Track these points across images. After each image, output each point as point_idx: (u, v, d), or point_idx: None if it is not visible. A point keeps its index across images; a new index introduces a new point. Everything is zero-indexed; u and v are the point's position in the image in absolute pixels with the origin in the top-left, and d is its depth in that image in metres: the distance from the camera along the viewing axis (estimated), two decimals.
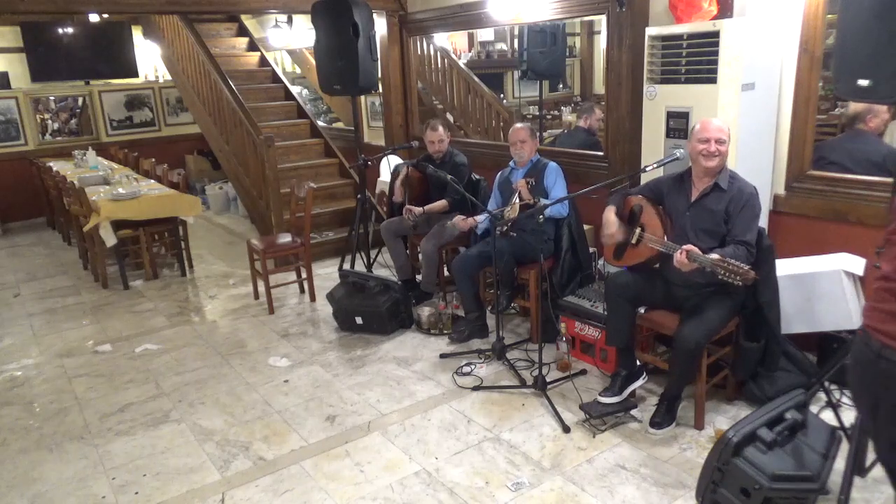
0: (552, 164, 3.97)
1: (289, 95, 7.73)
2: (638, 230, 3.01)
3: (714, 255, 2.57)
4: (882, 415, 1.57)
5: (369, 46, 4.61)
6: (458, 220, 4.13)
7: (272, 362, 3.95)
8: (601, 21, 5.14)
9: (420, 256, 4.64)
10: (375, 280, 4.26)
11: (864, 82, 2.13)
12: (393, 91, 6.15)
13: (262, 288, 4.82)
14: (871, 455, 2.44)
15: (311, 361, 3.94)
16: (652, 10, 3.89)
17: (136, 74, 8.74)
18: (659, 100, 3.51)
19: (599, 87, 8.68)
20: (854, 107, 3.44)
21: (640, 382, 3.15)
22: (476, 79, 7.15)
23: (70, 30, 8.18)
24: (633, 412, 3.09)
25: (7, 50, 8.03)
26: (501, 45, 9.08)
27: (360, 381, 3.65)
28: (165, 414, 3.40)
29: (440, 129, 4.45)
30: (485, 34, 8.98)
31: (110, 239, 5.24)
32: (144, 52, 8.84)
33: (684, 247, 2.67)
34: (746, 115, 3.30)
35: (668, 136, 3.48)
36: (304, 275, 5.03)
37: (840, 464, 2.32)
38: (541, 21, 4.94)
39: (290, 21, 8.08)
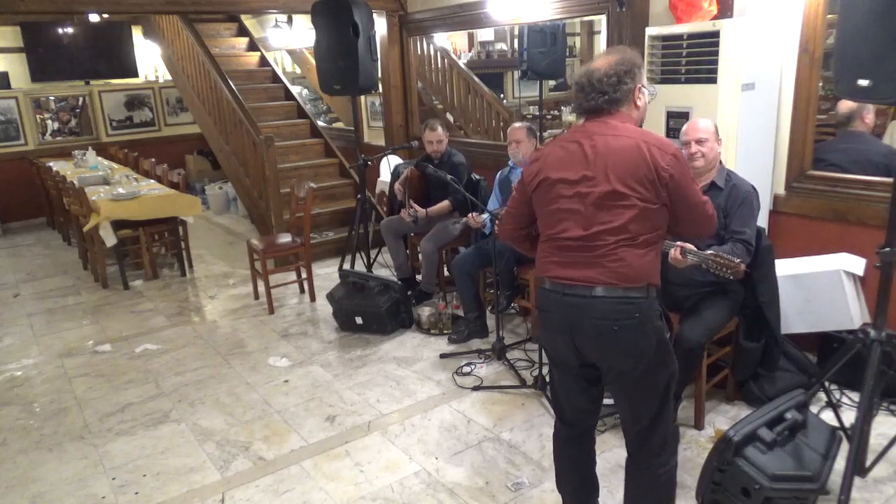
0: None
1: (289, 95, 7.74)
2: None
3: (709, 252, 2.55)
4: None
5: (369, 46, 4.61)
6: (472, 215, 4.10)
7: (272, 362, 3.95)
8: (601, 21, 5.14)
9: (420, 256, 4.64)
10: (375, 280, 4.26)
11: (864, 82, 2.13)
12: (393, 91, 6.15)
13: (262, 288, 4.82)
14: (871, 455, 2.44)
15: (311, 361, 3.94)
16: (652, 10, 3.89)
17: (136, 74, 8.74)
18: (659, 100, 3.50)
19: None
20: (846, 105, 3.42)
21: None
22: (476, 79, 7.15)
23: (70, 30, 8.19)
24: None
25: (7, 50, 8.03)
26: (501, 45, 9.07)
27: (360, 381, 3.65)
28: (165, 414, 3.40)
29: (439, 129, 4.45)
30: (485, 34, 8.97)
31: (110, 239, 5.24)
32: (144, 52, 8.84)
33: (678, 243, 2.66)
34: (746, 115, 3.30)
35: (668, 136, 3.48)
36: (304, 275, 5.03)
37: (840, 464, 2.32)
38: (541, 21, 4.93)
39: (290, 21, 8.09)
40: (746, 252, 2.72)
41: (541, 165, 2.01)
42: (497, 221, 3.57)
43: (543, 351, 2.19)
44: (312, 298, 4.98)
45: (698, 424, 2.98)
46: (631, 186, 1.85)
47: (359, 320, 4.22)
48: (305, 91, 9.41)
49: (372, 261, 5.21)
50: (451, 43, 8.38)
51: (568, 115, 8.21)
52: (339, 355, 4.00)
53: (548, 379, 2.23)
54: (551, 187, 1.96)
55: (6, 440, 3.23)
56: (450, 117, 7.24)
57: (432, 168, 4.15)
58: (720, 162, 2.88)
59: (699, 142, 2.80)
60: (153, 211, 5.52)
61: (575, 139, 1.96)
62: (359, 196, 5.07)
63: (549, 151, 2.02)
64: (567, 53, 7.89)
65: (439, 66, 7.21)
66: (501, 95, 8.61)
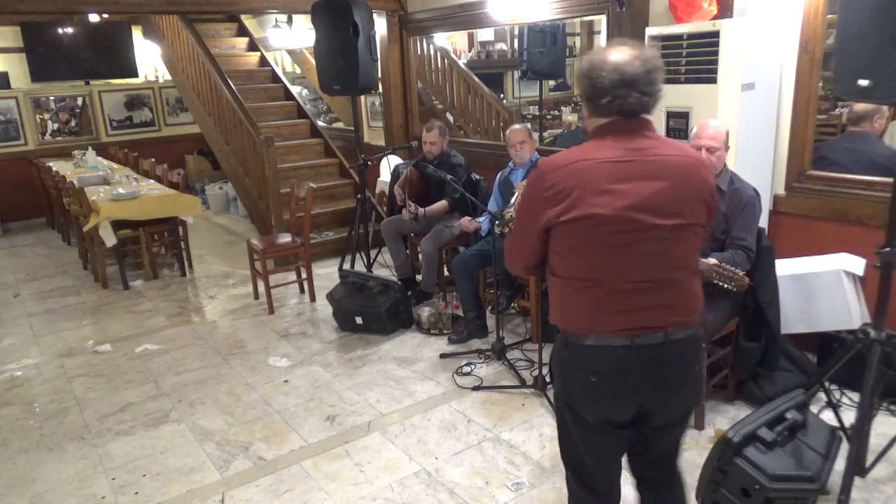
0: None
1: (289, 95, 7.73)
2: None
3: (711, 260, 2.55)
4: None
5: (369, 46, 4.61)
6: (465, 220, 4.15)
7: (272, 362, 3.95)
8: (601, 21, 5.13)
9: (420, 256, 4.64)
10: (375, 280, 4.26)
11: (864, 82, 2.13)
12: (393, 91, 6.15)
13: (262, 288, 4.82)
14: (871, 455, 2.44)
15: (311, 361, 3.94)
16: (652, 10, 3.89)
17: (136, 74, 8.74)
18: None
19: None
20: (862, 106, 3.42)
21: None
22: (476, 79, 7.14)
23: (70, 30, 8.18)
24: None
25: (7, 50, 8.03)
26: (501, 45, 9.07)
27: (360, 381, 3.65)
28: (165, 414, 3.40)
29: (434, 130, 4.45)
30: (485, 34, 8.97)
31: (110, 239, 5.24)
32: (144, 52, 8.84)
33: None
34: (746, 115, 3.30)
35: (667, 136, 3.48)
36: (304, 275, 5.02)
37: (840, 464, 2.33)
38: (541, 21, 4.94)
39: (290, 21, 8.08)
40: (747, 259, 2.71)
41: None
42: (497, 222, 3.58)
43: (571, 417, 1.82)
44: (312, 298, 4.98)
45: (698, 424, 2.98)
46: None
47: (359, 320, 4.22)
48: (305, 91, 9.41)
49: (372, 261, 5.21)
50: (451, 43, 8.38)
51: (568, 115, 8.21)
52: (339, 355, 4.00)
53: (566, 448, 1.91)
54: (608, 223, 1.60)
55: (6, 440, 3.23)
56: (450, 117, 7.24)
57: (432, 168, 4.15)
58: (724, 164, 2.87)
59: (710, 150, 2.71)
60: (153, 211, 5.52)
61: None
62: (359, 196, 5.07)
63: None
64: (567, 53, 7.91)
65: (439, 66, 7.20)
66: (501, 95, 8.61)
